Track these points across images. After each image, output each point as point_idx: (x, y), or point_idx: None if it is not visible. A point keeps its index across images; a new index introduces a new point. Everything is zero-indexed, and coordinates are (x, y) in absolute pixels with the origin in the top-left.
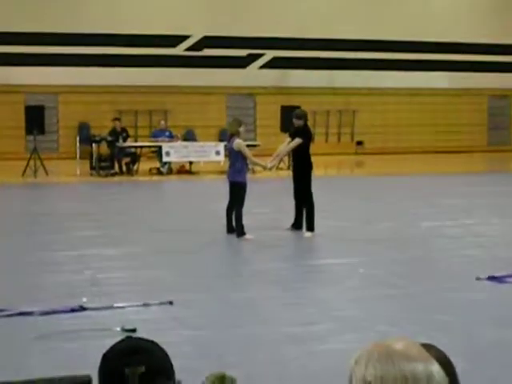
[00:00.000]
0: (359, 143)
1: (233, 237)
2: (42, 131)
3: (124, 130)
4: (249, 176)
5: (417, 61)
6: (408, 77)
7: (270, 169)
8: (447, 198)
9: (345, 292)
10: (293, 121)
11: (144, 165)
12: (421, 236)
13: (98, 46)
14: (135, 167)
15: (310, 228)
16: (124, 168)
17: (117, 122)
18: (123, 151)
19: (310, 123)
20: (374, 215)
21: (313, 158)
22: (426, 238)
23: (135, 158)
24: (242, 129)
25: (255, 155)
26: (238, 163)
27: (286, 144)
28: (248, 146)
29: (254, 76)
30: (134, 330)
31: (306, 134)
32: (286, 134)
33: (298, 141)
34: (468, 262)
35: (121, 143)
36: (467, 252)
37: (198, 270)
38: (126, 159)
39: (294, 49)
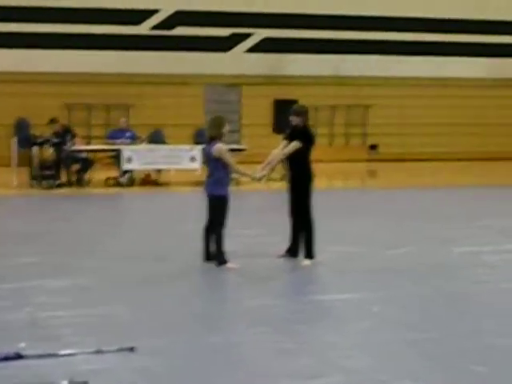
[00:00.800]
0: (373, 147)
1: (212, 266)
2: None
3: (67, 129)
4: (232, 188)
5: (446, 43)
6: (435, 63)
7: (260, 180)
8: (485, 218)
9: (353, 336)
10: (289, 119)
11: (99, 174)
12: (451, 265)
13: (40, 22)
14: (87, 176)
15: (310, 255)
16: (73, 178)
17: (55, 126)
18: (72, 156)
19: (311, 122)
20: (392, 238)
21: (314, 167)
22: (458, 267)
23: (87, 164)
24: (224, 129)
25: (240, 163)
26: (218, 172)
27: (281, 148)
28: (231, 150)
29: (240, 62)
30: None
31: (306, 135)
32: (281, 136)
33: (295, 145)
34: (510, 299)
35: (69, 146)
36: (510, 285)
37: (168, 307)
38: (76, 166)
39: (291, 27)
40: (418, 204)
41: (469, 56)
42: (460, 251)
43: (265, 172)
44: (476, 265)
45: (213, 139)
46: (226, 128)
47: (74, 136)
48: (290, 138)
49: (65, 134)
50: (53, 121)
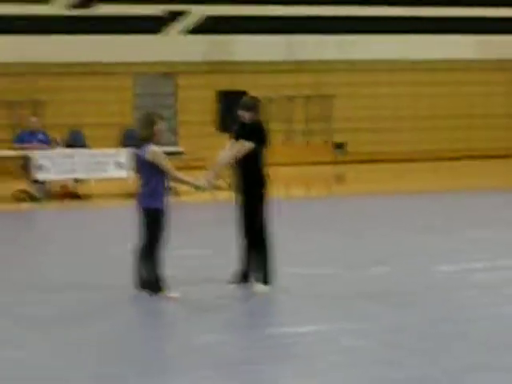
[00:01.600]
0: (339, 146)
1: (146, 295)
2: None
3: None
4: (170, 200)
5: (424, 18)
6: (412, 43)
7: (203, 189)
8: (474, 228)
9: (321, 376)
10: (238, 114)
11: (5, 186)
12: (435, 286)
13: None
14: None
15: (265, 279)
16: None
17: None
18: None
19: (263, 117)
20: (364, 256)
21: (268, 171)
22: (444, 289)
23: None
24: (159, 127)
25: (179, 169)
26: (152, 181)
27: (229, 150)
28: (167, 154)
29: (175, 46)
30: None
31: (258, 133)
32: (227, 135)
33: (246, 145)
34: (509, 326)
35: None
36: (507, 310)
37: (91, 348)
38: None
39: (236, 3)
40: (394, 213)
41: (452, 33)
42: (446, 269)
43: (209, 178)
44: (466, 286)
45: (144, 141)
46: (159, 126)
47: None
48: (239, 137)
49: None
50: None
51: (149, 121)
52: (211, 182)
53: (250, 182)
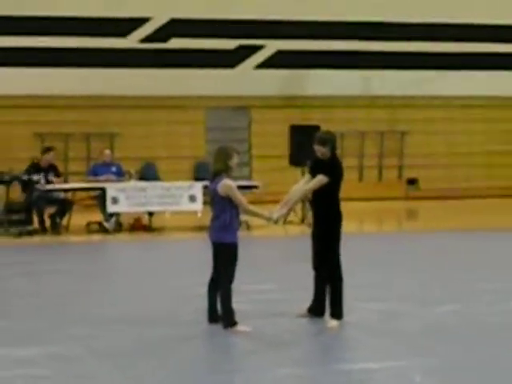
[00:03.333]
0: (411, 182)
1: (218, 328)
2: None
3: (53, 166)
4: (242, 234)
5: (501, 54)
6: (488, 79)
7: (277, 222)
8: None
9: None
10: (314, 148)
11: (78, 217)
12: (509, 325)
13: (3, 35)
14: (65, 221)
15: (337, 314)
16: (48, 223)
17: (49, 155)
18: (46, 197)
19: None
20: (437, 293)
21: (342, 206)
22: None
23: (65, 206)
24: (232, 162)
25: (252, 203)
26: (224, 215)
27: (303, 184)
28: (240, 187)
29: (249, 80)
30: None
31: (333, 168)
32: (299, 170)
33: (321, 179)
34: None
35: (43, 184)
36: None
37: (165, 382)
38: (51, 209)
39: (310, 38)
40: (468, 251)
41: None
42: None
43: (283, 212)
44: None
45: (218, 174)
46: (235, 160)
47: (58, 175)
48: (314, 172)
49: (49, 170)
50: (48, 150)
51: (224, 154)
52: (284, 215)
53: (325, 216)
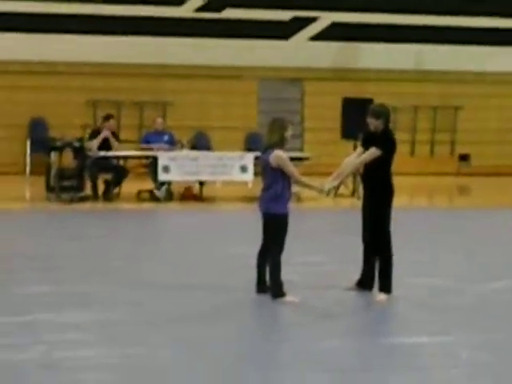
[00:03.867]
0: (463, 158)
1: (266, 298)
2: None
3: (113, 133)
4: (292, 205)
5: None
6: None
7: (328, 194)
8: None
9: None
10: (367, 121)
11: (130, 185)
12: None
13: (56, 1)
14: (117, 189)
15: (386, 288)
16: (101, 189)
17: (109, 122)
18: (100, 164)
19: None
20: (486, 269)
21: (394, 180)
22: None
23: (121, 174)
24: (287, 134)
25: (303, 174)
26: (275, 186)
27: (356, 156)
28: (292, 159)
29: (302, 52)
30: None
31: (386, 142)
32: (351, 143)
33: (374, 152)
34: None
35: (95, 151)
36: None
37: (213, 349)
38: (105, 176)
39: (364, 10)
40: None
41: None
42: None
43: (334, 184)
44: None
45: (272, 146)
46: (289, 132)
47: (118, 141)
48: (367, 144)
49: (107, 138)
50: (108, 117)
51: (279, 126)
52: (335, 187)
53: (377, 189)
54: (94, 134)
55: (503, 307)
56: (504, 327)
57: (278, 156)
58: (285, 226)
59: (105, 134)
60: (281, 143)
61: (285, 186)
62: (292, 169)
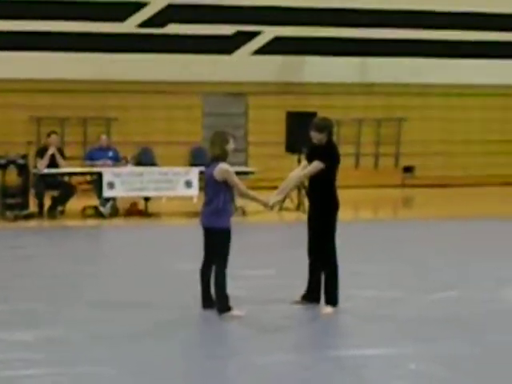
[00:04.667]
0: (408, 169)
1: (212, 314)
2: None
3: (59, 149)
4: (237, 219)
5: (500, 43)
6: (485, 67)
7: (273, 207)
8: None
9: None
10: (310, 135)
11: (75, 202)
12: (504, 312)
13: (5, 19)
14: (61, 207)
15: (332, 300)
16: (46, 206)
17: (55, 137)
18: (46, 181)
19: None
20: (432, 280)
21: (338, 193)
22: None
23: (68, 191)
24: (229, 146)
25: (248, 188)
26: (217, 200)
27: (301, 170)
28: (236, 173)
29: (246, 66)
30: None
31: (330, 155)
32: (296, 156)
33: (317, 165)
34: None
35: (38, 169)
36: None
37: (158, 366)
38: (52, 192)
39: (307, 24)
40: (464, 238)
41: None
42: None
43: (279, 198)
44: None
45: (215, 159)
46: (231, 145)
47: (64, 158)
48: (311, 159)
49: (53, 155)
50: (53, 133)
51: (220, 139)
52: (280, 201)
53: (322, 202)
54: (41, 152)
55: (447, 318)
56: (451, 337)
57: (224, 169)
58: (227, 240)
59: (52, 150)
60: (224, 156)
61: (226, 200)
62: (237, 181)
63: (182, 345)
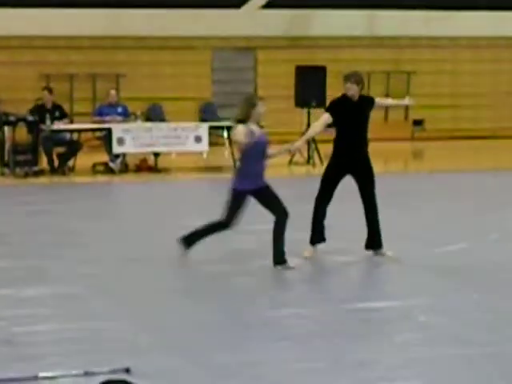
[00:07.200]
0: (417, 123)
1: (217, 268)
2: None
3: (58, 106)
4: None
5: None
6: (495, 19)
7: (293, 151)
8: None
9: (396, 351)
10: (346, 87)
11: (84, 158)
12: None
13: None
14: (71, 162)
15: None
16: (56, 163)
17: (46, 94)
18: (54, 138)
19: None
20: (442, 233)
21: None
22: None
23: (74, 148)
24: (256, 110)
25: None
26: (241, 162)
27: (322, 124)
28: None
29: (254, 20)
30: None
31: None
32: (307, 110)
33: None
34: None
35: (48, 125)
36: None
37: (171, 321)
38: (60, 150)
39: None
40: (473, 191)
41: None
42: None
43: (300, 143)
44: None
45: (240, 121)
46: (259, 109)
47: (64, 115)
48: (337, 111)
49: (54, 109)
50: (47, 89)
51: (247, 102)
52: (300, 146)
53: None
54: (38, 107)
55: (457, 270)
56: (458, 290)
57: (233, 132)
58: (237, 200)
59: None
60: (246, 119)
61: (247, 162)
62: (240, 139)
63: (194, 302)
